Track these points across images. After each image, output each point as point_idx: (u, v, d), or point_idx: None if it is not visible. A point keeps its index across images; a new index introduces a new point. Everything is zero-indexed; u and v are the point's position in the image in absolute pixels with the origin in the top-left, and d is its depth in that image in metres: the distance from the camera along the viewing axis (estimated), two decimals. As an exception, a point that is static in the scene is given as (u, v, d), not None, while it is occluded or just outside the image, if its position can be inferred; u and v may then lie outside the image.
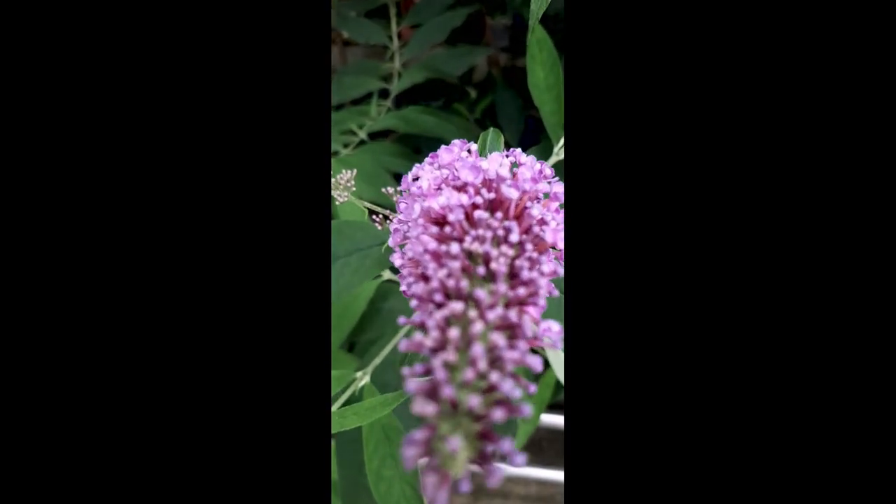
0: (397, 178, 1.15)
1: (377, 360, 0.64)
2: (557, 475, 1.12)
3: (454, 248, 0.28)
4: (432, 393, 0.21)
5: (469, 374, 0.21)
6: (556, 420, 1.07)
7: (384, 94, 1.28)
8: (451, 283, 0.26)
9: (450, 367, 0.22)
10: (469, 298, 0.27)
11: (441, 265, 0.29)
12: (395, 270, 0.63)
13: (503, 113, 1.33)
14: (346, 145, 1.19)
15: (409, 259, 0.35)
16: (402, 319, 0.28)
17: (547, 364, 0.87)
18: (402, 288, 0.35)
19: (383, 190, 0.58)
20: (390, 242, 0.50)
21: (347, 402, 0.60)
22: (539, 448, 1.33)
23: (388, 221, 0.58)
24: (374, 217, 0.58)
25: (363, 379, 0.62)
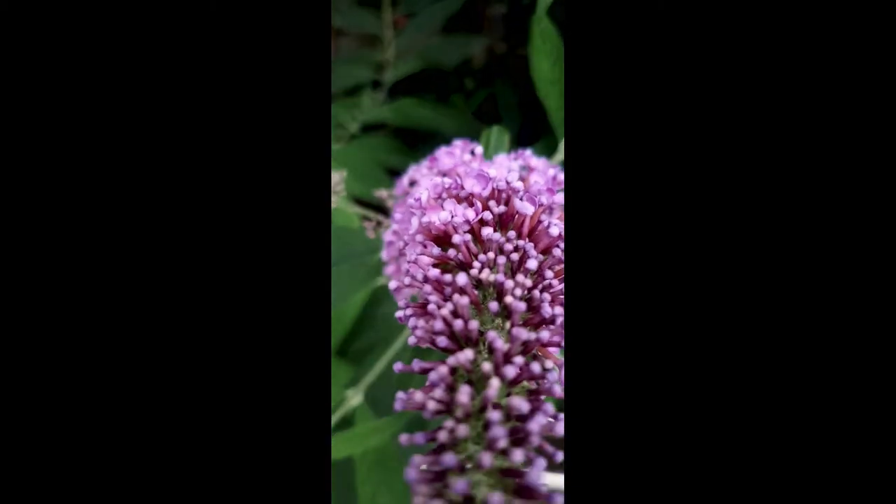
0: (391, 173, 1.10)
1: (370, 377, 0.59)
2: (557, 476, 1.08)
3: (461, 278, 0.23)
4: (440, 484, 0.16)
5: (486, 459, 0.16)
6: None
7: (377, 85, 1.22)
8: (458, 324, 0.22)
9: (461, 446, 0.17)
10: (480, 343, 0.22)
11: (445, 298, 0.24)
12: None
13: (502, 104, 1.28)
14: (336, 140, 1.14)
15: (407, 282, 0.31)
16: (397, 366, 0.23)
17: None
18: (398, 314, 0.30)
19: (376, 193, 0.53)
20: (383, 256, 0.45)
21: (339, 424, 0.56)
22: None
23: (381, 227, 0.54)
24: (366, 222, 0.53)
25: (355, 398, 0.57)
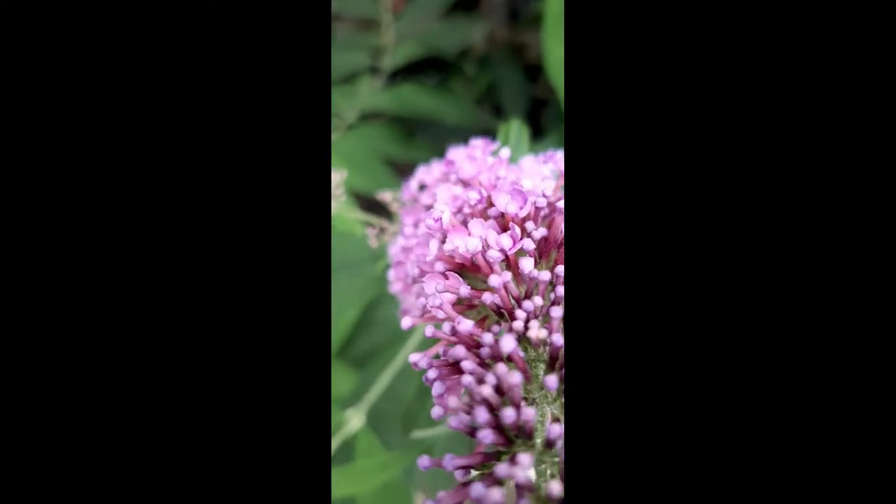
0: (391, 165, 1.03)
1: (372, 395, 0.53)
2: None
3: (508, 343, 0.17)
4: None
5: None
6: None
7: (374, 71, 1.15)
8: (509, 415, 0.15)
9: None
10: (536, 434, 0.16)
11: (482, 362, 0.18)
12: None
13: (504, 92, 1.21)
14: (333, 129, 1.07)
15: (429, 332, 0.24)
16: (423, 462, 0.17)
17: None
18: (415, 360, 0.23)
19: (379, 196, 0.46)
20: (390, 275, 0.39)
21: (339, 449, 0.49)
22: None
23: (384, 234, 0.47)
24: (369, 229, 0.47)
25: (356, 419, 0.51)
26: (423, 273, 0.26)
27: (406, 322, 0.26)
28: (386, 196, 0.46)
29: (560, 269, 0.21)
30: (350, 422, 0.51)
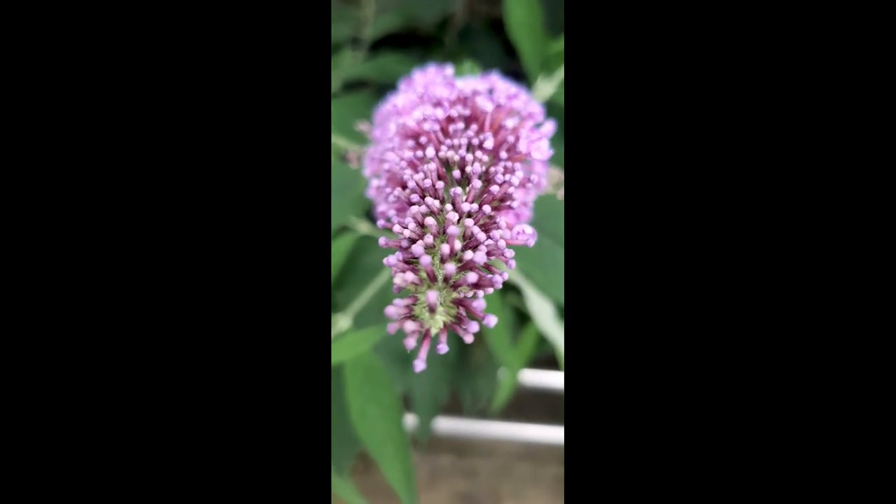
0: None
1: (358, 304, 0.66)
2: (541, 431, 1.15)
3: (430, 151, 0.30)
4: (411, 268, 0.23)
5: (445, 249, 0.23)
6: (539, 377, 1.10)
7: (356, 42, 1.27)
8: (427, 183, 0.28)
9: (428, 249, 0.24)
10: (444, 199, 0.29)
11: (417, 171, 0.31)
12: (373, 219, 0.65)
13: (483, 65, 1.32)
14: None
15: (387, 178, 0.37)
16: (389, 260, 0.29)
17: (525, 317, 0.90)
18: (381, 235, 0.37)
19: (357, 128, 0.59)
20: (366, 172, 0.51)
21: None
22: (522, 405, 1.37)
23: (361, 159, 0.60)
24: (348, 155, 0.60)
25: (343, 321, 0.64)
26: (385, 150, 0.39)
27: (372, 192, 0.39)
28: (364, 126, 0.59)
29: (474, 126, 0.34)
30: (339, 322, 0.64)
